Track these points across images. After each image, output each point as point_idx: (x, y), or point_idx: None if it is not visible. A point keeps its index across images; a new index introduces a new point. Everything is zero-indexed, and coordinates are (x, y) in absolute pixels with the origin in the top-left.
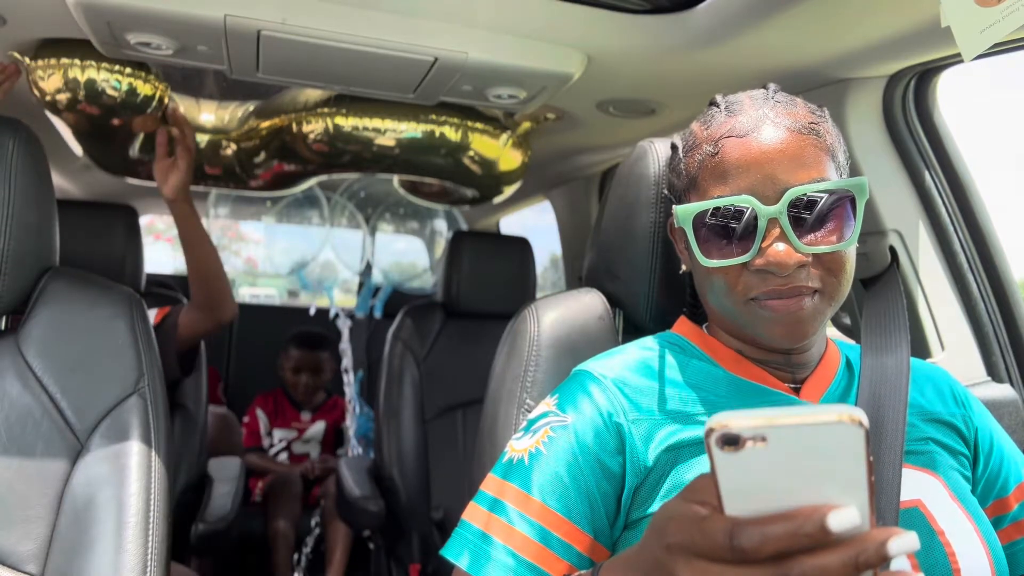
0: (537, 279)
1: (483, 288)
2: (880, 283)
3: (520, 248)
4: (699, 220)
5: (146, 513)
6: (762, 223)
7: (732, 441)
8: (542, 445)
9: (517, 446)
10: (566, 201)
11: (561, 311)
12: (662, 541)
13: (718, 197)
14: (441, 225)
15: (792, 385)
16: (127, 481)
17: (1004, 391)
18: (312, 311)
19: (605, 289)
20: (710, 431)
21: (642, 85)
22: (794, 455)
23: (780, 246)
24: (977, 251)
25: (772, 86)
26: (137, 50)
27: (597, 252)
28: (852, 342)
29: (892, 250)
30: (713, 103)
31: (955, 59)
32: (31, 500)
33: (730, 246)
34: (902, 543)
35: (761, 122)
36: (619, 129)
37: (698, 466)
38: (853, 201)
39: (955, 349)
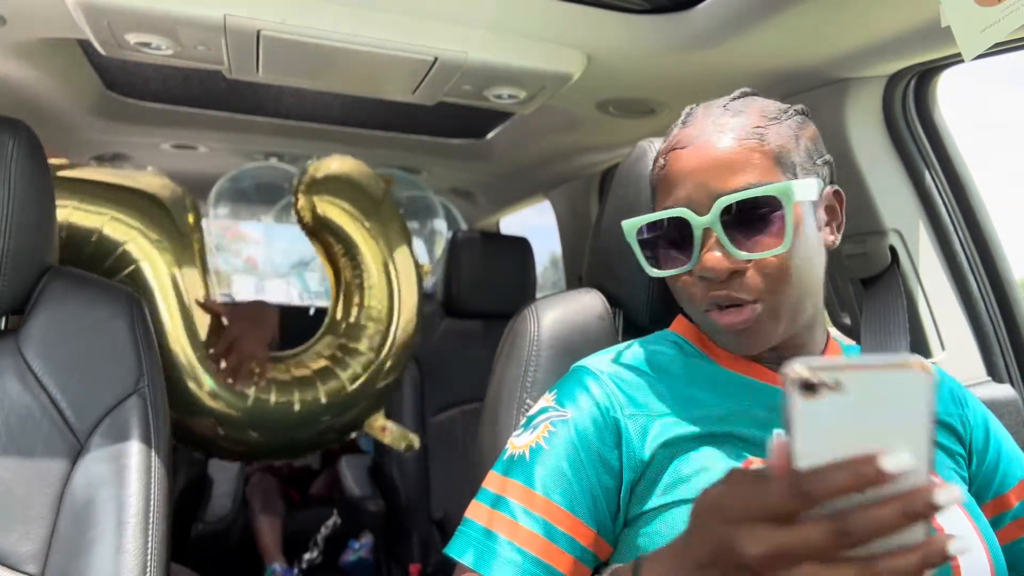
0: (537, 279)
1: (483, 288)
2: (880, 283)
3: (520, 248)
4: (643, 233)
5: (146, 513)
6: (697, 233)
7: (810, 387)
8: (543, 440)
9: (518, 442)
10: (566, 201)
11: (561, 311)
12: (720, 518)
13: (664, 208)
14: (441, 225)
15: None
16: (127, 481)
17: (1004, 391)
18: (312, 311)
19: (605, 289)
20: (787, 377)
21: (642, 85)
22: (866, 402)
23: (716, 253)
24: (977, 251)
25: (741, 91)
26: (137, 50)
27: (597, 252)
28: (852, 342)
29: (892, 250)
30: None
31: (955, 59)
32: (31, 500)
33: (677, 255)
34: (948, 495)
35: (703, 132)
36: (619, 129)
37: (695, 460)
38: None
39: (955, 349)
